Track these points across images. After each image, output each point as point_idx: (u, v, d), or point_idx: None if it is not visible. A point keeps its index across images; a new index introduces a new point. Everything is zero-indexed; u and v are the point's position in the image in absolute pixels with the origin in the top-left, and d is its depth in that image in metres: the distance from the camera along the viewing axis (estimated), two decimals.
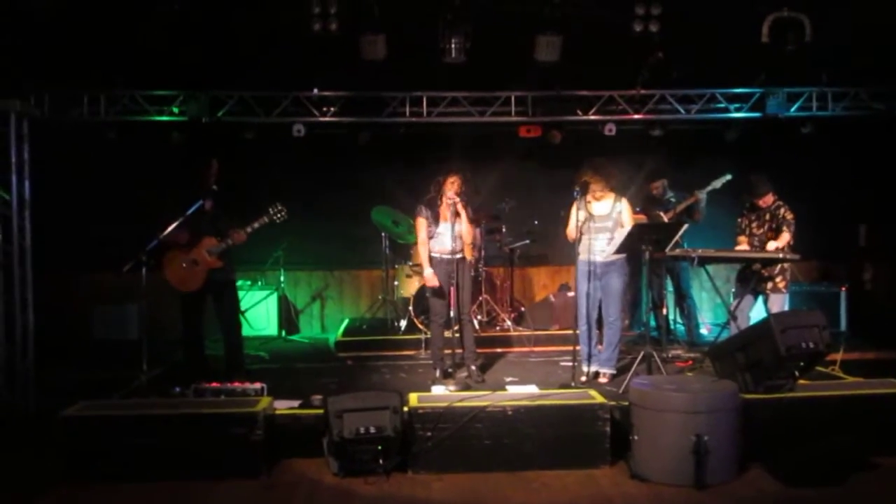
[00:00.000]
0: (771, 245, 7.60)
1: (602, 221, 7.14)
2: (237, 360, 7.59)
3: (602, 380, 7.28)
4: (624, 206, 7.18)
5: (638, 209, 8.63)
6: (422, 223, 7.38)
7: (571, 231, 7.19)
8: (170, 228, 7.00)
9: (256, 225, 7.31)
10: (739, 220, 8.10)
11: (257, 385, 6.41)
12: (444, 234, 7.29)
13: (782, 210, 7.78)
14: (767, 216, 7.86)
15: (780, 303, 7.75)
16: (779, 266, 7.71)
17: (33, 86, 8.77)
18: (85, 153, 9.86)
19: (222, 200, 7.42)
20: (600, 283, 7.18)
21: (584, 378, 7.27)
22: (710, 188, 8.60)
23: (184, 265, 7.25)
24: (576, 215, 7.09)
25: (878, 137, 10.34)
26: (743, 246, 7.94)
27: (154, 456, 5.61)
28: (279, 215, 7.34)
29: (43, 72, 8.74)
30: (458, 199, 7.15)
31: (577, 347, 7.28)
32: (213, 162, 7.38)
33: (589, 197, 7.20)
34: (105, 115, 9.57)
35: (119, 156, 9.96)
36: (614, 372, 7.33)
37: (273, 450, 5.89)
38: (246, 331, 8.31)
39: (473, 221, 7.53)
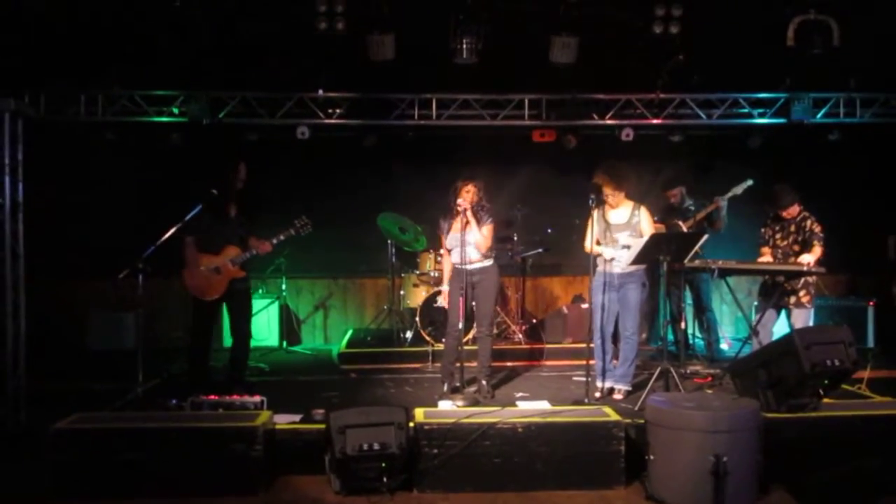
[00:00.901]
0: (805, 258, 7.33)
1: (620, 231, 6.95)
2: (240, 371, 7.51)
3: (617, 396, 7.11)
4: (643, 215, 6.99)
5: (656, 218, 8.43)
6: (442, 238, 7.34)
7: (589, 243, 7.03)
8: (167, 234, 6.92)
9: (282, 237, 7.32)
10: (763, 230, 7.87)
11: (257, 398, 6.26)
12: (454, 245, 7.14)
13: (809, 222, 7.53)
14: (793, 227, 7.63)
15: (804, 318, 7.51)
16: (802, 280, 7.47)
17: (28, 84, 8.74)
18: (81, 154, 9.82)
19: (247, 207, 7.40)
20: (617, 294, 7.01)
21: (598, 394, 7.10)
22: (730, 194, 8.47)
23: (205, 273, 7.17)
24: (591, 227, 6.95)
25: None
26: (766, 258, 7.72)
27: (149, 471, 5.47)
28: (305, 229, 7.32)
29: (39, 69, 8.67)
30: (468, 207, 6.98)
31: (591, 362, 7.07)
32: (241, 166, 7.37)
33: (606, 206, 7.04)
34: (103, 116, 9.51)
35: (117, 157, 9.92)
36: (630, 388, 7.16)
37: (272, 466, 5.75)
38: None
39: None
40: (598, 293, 7.00)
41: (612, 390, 7.15)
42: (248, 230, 7.32)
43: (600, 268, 7.00)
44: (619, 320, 7.05)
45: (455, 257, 7.14)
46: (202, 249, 7.17)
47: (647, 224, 6.94)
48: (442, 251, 7.46)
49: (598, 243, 6.98)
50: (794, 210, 7.59)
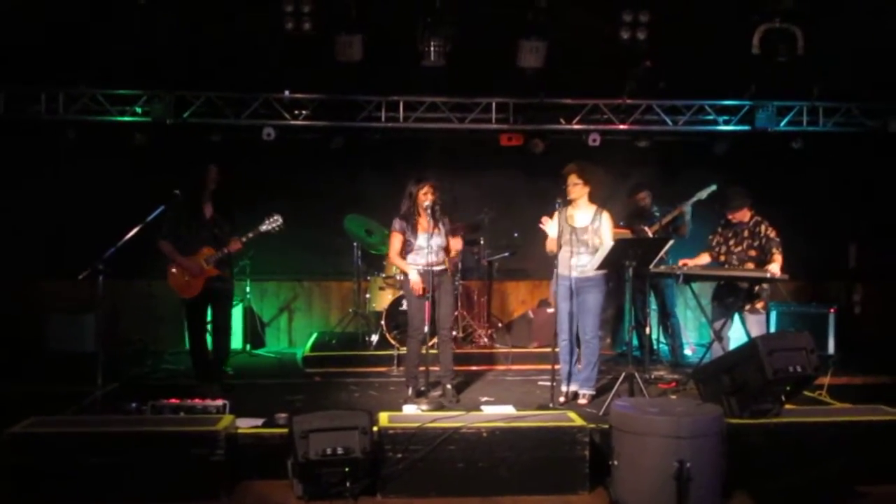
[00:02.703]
0: (771, 268, 7.30)
1: (584, 234, 6.92)
2: (219, 371, 7.53)
3: (582, 401, 7.08)
4: (604, 220, 6.96)
5: (622, 223, 8.45)
6: (396, 237, 7.13)
7: (550, 243, 6.99)
8: (129, 235, 6.80)
9: (251, 235, 7.33)
10: (711, 237, 7.86)
11: (219, 402, 6.18)
12: (423, 246, 7.03)
13: (763, 227, 7.51)
14: (746, 233, 7.59)
15: (759, 324, 7.56)
16: (757, 286, 7.49)
17: None
18: (42, 154, 9.68)
19: (223, 208, 7.42)
20: (577, 299, 6.98)
21: (562, 399, 7.08)
22: (694, 199, 8.51)
23: (182, 274, 7.26)
24: (554, 221, 6.92)
25: (869, 154, 10.32)
26: (703, 261, 7.75)
27: (108, 477, 5.36)
28: (274, 224, 7.33)
29: None
30: (437, 209, 6.94)
31: (557, 366, 7.05)
32: (212, 168, 7.35)
33: (570, 210, 7.01)
34: (64, 114, 9.40)
35: (78, 157, 9.78)
36: (594, 393, 7.14)
37: (234, 471, 5.65)
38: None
39: (451, 232, 7.25)
40: (562, 297, 6.97)
41: (576, 394, 7.13)
42: (224, 231, 7.32)
43: (563, 272, 6.93)
44: (579, 324, 7.03)
45: (423, 257, 7.03)
46: (180, 252, 7.22)
47: (606, 229, 6.91)
48: (392, 250, 7.20)
49: (561, 246, 6.90)
50: (745, 214, 7.57)
